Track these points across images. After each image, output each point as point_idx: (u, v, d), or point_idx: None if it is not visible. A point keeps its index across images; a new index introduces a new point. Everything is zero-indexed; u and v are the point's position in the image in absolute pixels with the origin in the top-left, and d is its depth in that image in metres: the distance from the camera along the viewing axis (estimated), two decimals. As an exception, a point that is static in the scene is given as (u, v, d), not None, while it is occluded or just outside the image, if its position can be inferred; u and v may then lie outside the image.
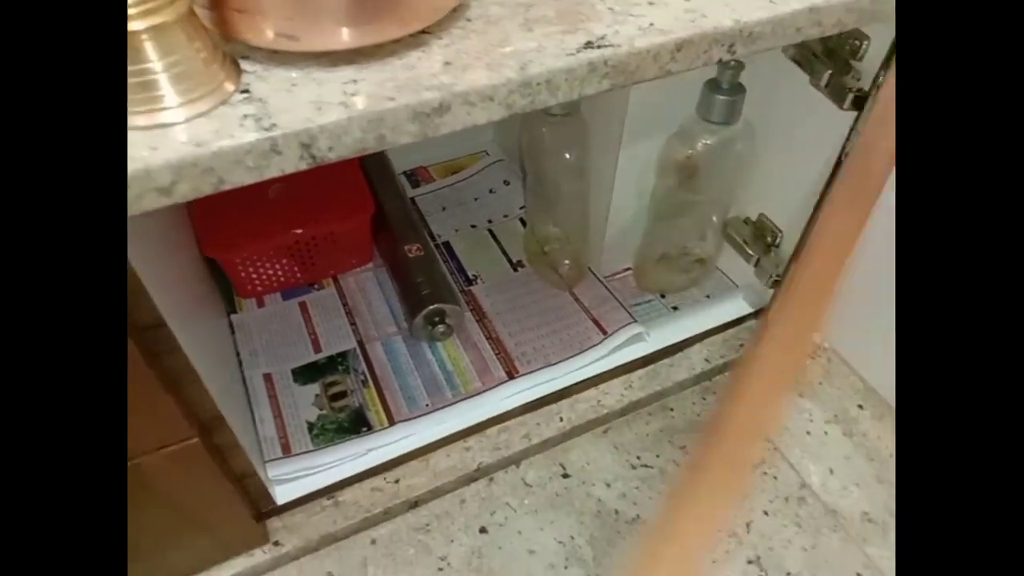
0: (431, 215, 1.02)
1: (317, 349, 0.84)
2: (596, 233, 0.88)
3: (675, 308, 0.92)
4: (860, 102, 0.66)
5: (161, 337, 0.46)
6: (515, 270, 0.94)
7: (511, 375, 0.82)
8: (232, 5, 0.34)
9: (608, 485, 0.78)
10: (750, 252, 0.86)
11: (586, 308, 0.89)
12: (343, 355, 0.83)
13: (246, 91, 0.34)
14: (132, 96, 0.31)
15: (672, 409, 0.86)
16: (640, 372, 0.86)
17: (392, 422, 0.77)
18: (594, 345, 0.85)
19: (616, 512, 0.76)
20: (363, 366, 0.82)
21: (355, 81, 0.35)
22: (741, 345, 0.90)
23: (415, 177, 1.08)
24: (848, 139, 0.69)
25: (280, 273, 0.88)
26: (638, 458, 0.81)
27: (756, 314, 0.91)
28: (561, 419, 0.81)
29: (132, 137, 0.31)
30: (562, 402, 0.82)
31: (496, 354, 0.84)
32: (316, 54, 0.36)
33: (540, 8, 0.41)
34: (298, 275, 0.89)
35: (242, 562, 0.68)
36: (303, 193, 0.85)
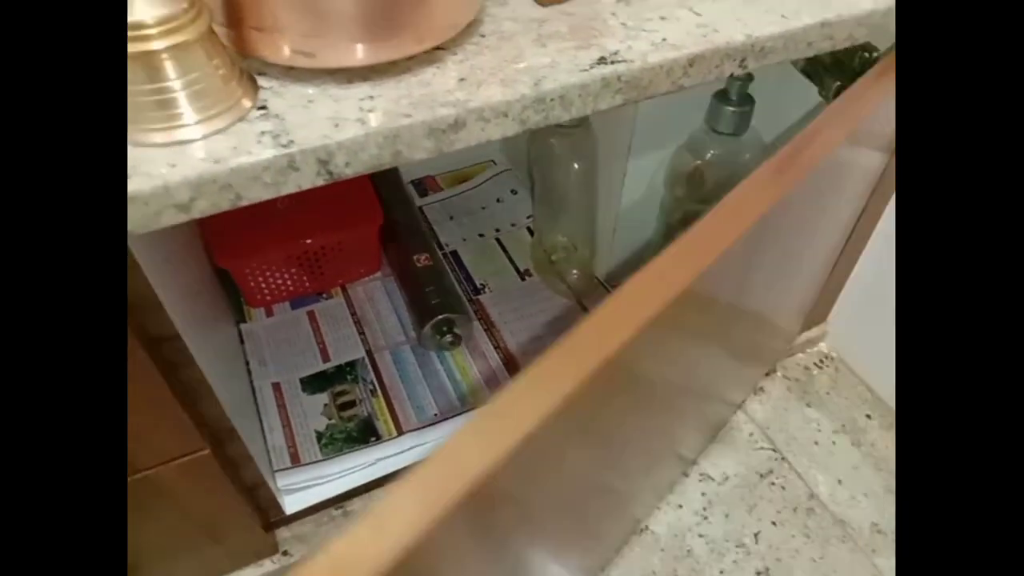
0: (439, 224, 1.02)
1: (326, 358, 0.84)
2: (604, 243, 0.88)
3: (683, 317, 0.91)
4: (869, 113, 0.66)
5: (176, 349, 0.46)
6: (523, 279, 0.94)
7: (519, 385, 0.82)
8: (250, 23, 0.34)
9: (616, 495, 0.78)
10: (758, 262, 0.86)
11: (594, 317, 0.89)
12: (352, 364, 0.84)
13: (263, 107, 0.35)
14: (151, 114, 0.32)
15: (680, 419, 0.86)
16: (648, 382, 0.85)
17: (401, 431, 0.77)
18: (602, 354, 0.85)
19: (625, 522, 0.76)
20: (372, 375, 0.83)
21: (371, 97, 0.36)
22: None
23: (423, 186, 1.08)
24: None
25: (289, 282, 0.88)
26: (646, 468, 0.81)
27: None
28: (569, 429, 0.81)
29: (151, 154, 0.32)
30: (570, 412, 0.82)
31: (504, 363, 0.84)
32: (332, 71, 0.36)
33: (553, 24, 0.42)
34: (307, 284, 0.89)
35: (251, 572, 0.68)
36: (312, 203, 0.85)
